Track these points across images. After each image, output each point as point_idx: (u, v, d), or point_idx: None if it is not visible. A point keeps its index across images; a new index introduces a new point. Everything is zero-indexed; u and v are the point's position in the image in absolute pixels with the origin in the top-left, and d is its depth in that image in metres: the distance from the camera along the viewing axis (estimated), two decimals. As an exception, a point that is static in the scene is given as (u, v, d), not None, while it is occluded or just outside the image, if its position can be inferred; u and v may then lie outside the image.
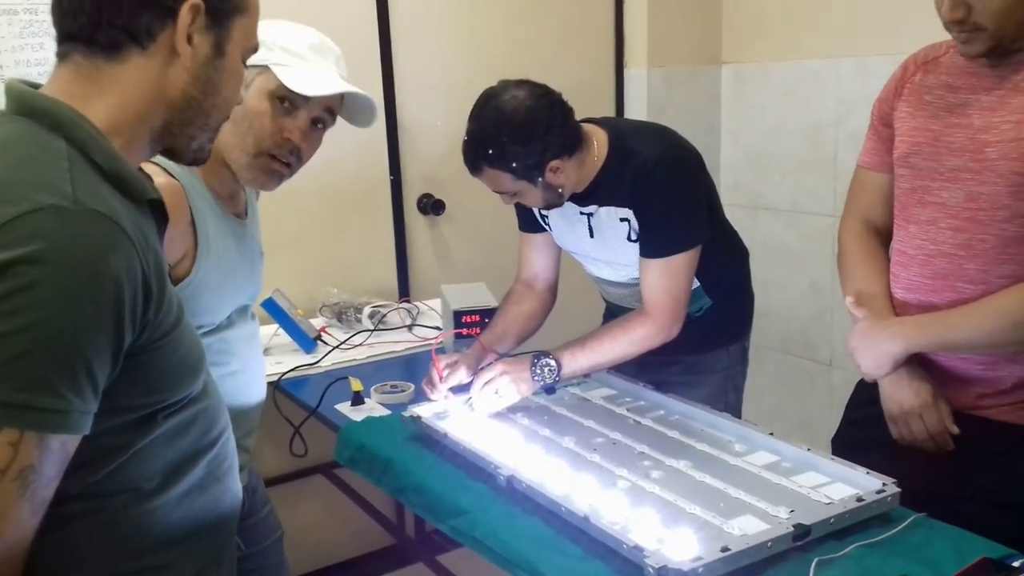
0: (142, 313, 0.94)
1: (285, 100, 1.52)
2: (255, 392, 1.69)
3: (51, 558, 0.97)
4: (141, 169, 1.08)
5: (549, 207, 2.04)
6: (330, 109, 1.59)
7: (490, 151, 1.88)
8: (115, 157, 0.98)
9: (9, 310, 0.84)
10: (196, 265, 1.46)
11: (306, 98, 1.53)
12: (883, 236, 1.81)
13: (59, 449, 0.90)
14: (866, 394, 1.79)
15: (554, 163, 1.89)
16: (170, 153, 1.10)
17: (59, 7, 1.01)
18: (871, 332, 1.69)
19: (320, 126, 1.60)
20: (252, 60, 1.36)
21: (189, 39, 1.01)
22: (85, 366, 0.89)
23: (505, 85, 1.91)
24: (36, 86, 1.02)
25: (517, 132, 1.85)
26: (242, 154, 1.52)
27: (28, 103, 0.98)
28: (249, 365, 1.66)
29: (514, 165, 1.88)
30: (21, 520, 0.89)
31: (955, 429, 1.65)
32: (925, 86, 1.69)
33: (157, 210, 1.06)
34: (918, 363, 1.68)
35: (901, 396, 1.67)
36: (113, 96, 1.00)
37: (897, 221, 1.75)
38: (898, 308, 1.72)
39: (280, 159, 1.55)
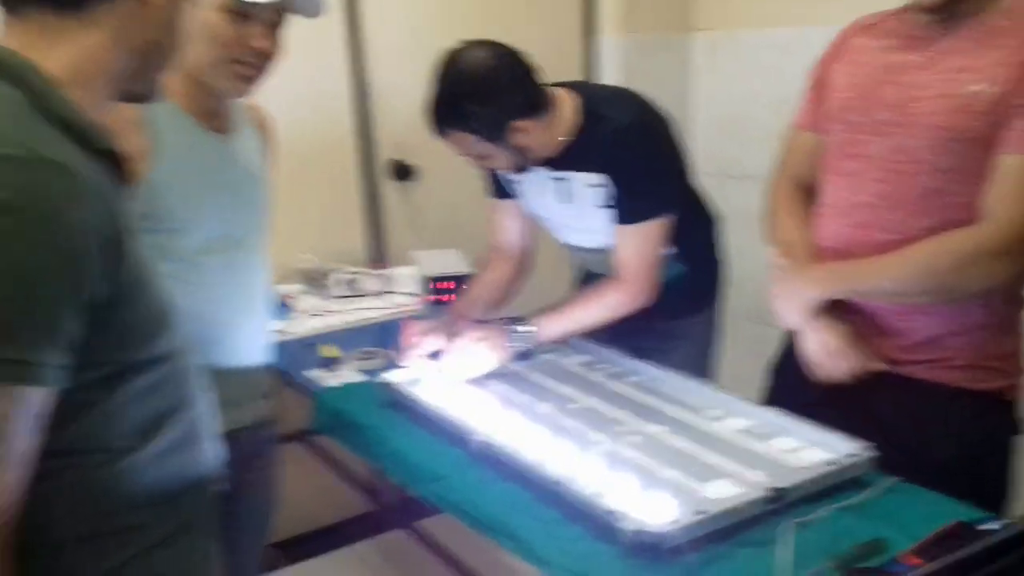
0: (103, 264, 0.92)
1: (237, 12, 1.55)
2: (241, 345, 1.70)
3: (23, 516, 0.96)
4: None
5: (518, 170, 2.03)
6: (280, 9, 1.61)
7: (451, 112, 1.86)
8: (71, 107, 0.96)
9: None
10: (152, 162, 1.50)
11: (255, 4, 1.55)
12: (811, 195, 1.84)
13: (29, 402, 0.89)
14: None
15: (518, 123, 1.87)
16: (133, 97, 1.09)
17: None
18: (790, 279, 1.74)
19: (277, 27, 1.63)
20: None
21: None
22: (50, 316, 0.88)
23: (467, 45, 1.89)
24: None
25: (478, 91, 1.83)
26: (210, 65, 1.56)
27: None
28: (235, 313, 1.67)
29: (476, 126, 1.86)
30: None
31: (880, 365, 1.69)
32: (863, 48, 1.73)
33: (114, 160, 1.04)
34: (835, 311, 1.71)
35: (824, 339, 1.70)
36: (76, 50, 0.98)
37: (825, 176, 1.78)
38: (820, 257, 1.75)
39: (246, 66, 1.59)
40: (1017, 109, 1.50)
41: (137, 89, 1.07)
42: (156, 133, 1.53)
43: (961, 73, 1.55)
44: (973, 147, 1.54)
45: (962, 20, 1.58)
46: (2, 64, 0.94)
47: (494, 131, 1.87)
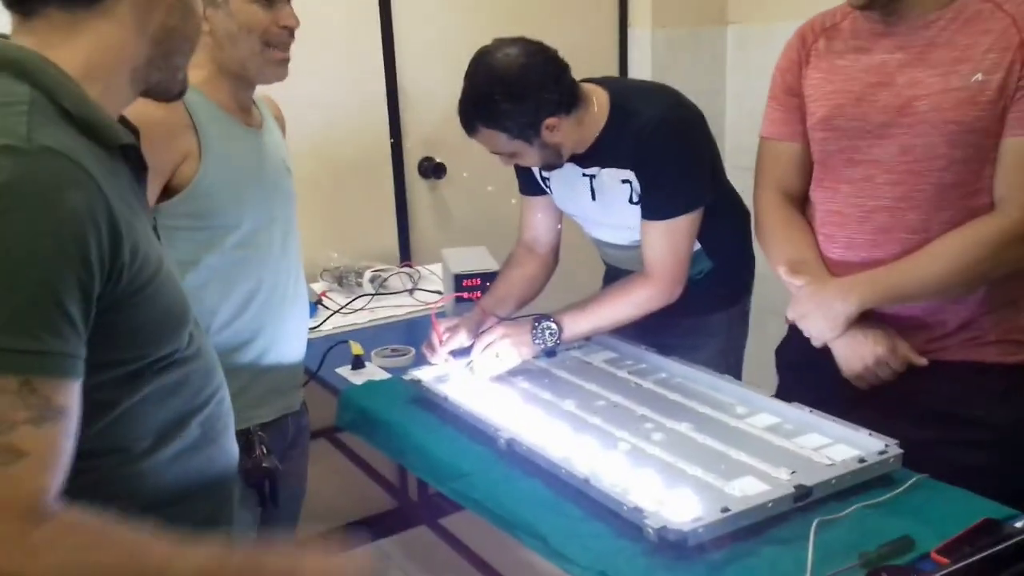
0: (112, 254, 0.92)
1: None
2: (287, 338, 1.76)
3: None
4: (123, 119, 1.07)
5: (549, 167, 2.02)
6: None
7: (483, 110, 1.86)
8: (84, 102, 0.96)
9: None
10: (202, 164, 1.54)
11: None
12: (799, 204, 1.82)
13: (23, 389, 0.86)
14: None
15: (550, 121, 1.87)
16: (156, 91, 1.09)
17: None
18: (819, 295, 1.68)
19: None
20: None
21: None
22: (56, 303, 0.86)
23: (499, 43, 1.88)
24: (4, 36, 1.00)
25: (510, 90, 1.83)
26: (253, 58, 1.62)
27: None
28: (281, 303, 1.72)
29: (508, 124, 1.85)
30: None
31: (922, 360, 1.66)
32: (834, 51, 1.71)
33: (133, 157, 1.04)
34: (865, 316, 1.67)
35: (863, 351, 1.66)
36: (93, 43, 0.98)
37: (823, 184, 1.75)
38: (837, 268, 1.72)
39: (281, 48, 1.64)
40: (1019, 92, 1.51)
41: (161, 80, 1.07)
42: (203, 136, 1.56)
43: (958, 64, 1.55)
44: (986, 136, 1.55)
45: (917, 11, 1.58)
46: (15, 61, 0.95)
47: (526, 129, 1.87)
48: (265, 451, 1.66)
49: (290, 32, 1.64)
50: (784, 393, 1.82)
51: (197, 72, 1.49)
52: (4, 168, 0.85)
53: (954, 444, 1.62)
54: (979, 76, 1.53)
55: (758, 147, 1.90)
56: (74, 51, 0.97)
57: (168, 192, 1.52)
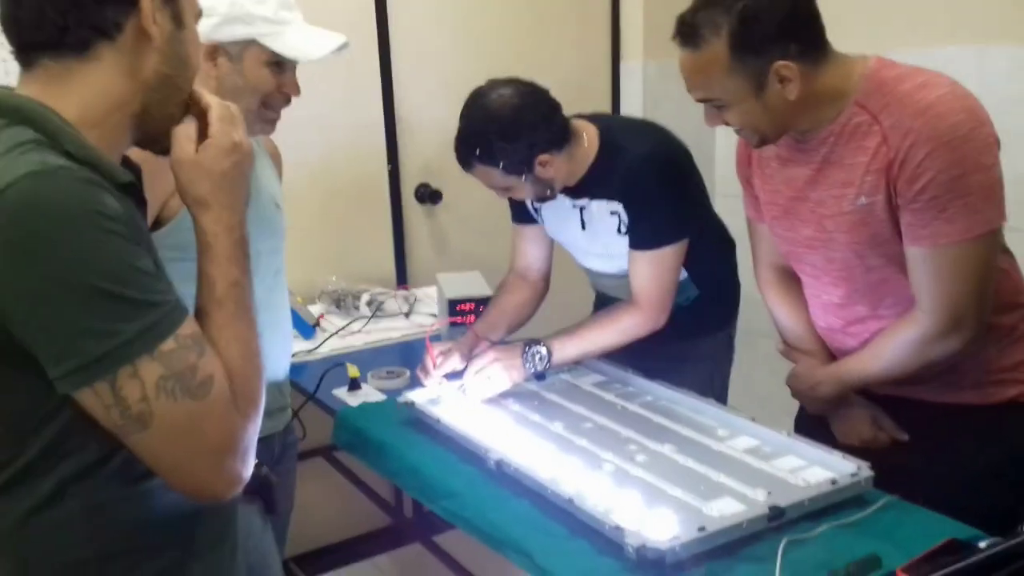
0: (145, 248, 0.99)
1: (279, 64, 1.67)
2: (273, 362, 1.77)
3: (49, 539, 1.02)
4: (125, 157, 1.12)
5: (541, 200, 2.10)
6: None
7: (478, 149, 1.94)
8: (86, 146, 1.00)
9: (33, 275, 0.90)
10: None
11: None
12: (794, 274, 1.89)
13: (177, 341, 0.98)
14: None
15: (542, 157, 1.95)
16: (149, 142, 1.12)
17: (15, 23, 1.02)
18: (804, 381, 1.84)
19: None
20: (235, 36, 1.58)
21: (153, 19, 1.04)
22: (138, 269, 0.96)
23: (493, 84, 1.97)
24: (9, 88, 1.05)
25: (504, 129, 1.91)
26: (246, 112, 1.62)
27: None
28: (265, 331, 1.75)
29: (502, 163, 1.93)
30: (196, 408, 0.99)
31: (904, 437, 1.78)
32: (764, 158, 1.78)
33: (133, 194, 1.08)
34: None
35: (852, 434, 1.80)
36: (86, 90, 1.03)
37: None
38: (827, 340, 1.85)
39: (276, 110, 1.72)
40: (902, 207, 1.54)
41: (155, 128, 1.10)
42: None
43: (846, 188, 1.59)
44: (892, 244, 1.59)
45: (812, 129, 1.61)
46: (18, 109, 1.00)
47: (519, 165, 1.95)
48: (258, 461, 1.71)
49: (288, 99, 1.72)
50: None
51: None
52: (29, 191, 0.91)
53: (929, 478, 1.65)
54: (863, 200, 1.57)
55: (747, 223, 1.98)
56: (69, 98, 1.02)
57: (157, 224, 1.56)
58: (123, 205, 0.99)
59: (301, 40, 1.67)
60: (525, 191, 2.03)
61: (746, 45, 1.51)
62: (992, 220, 1.52)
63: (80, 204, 0.92)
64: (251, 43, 1.63)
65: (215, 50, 1.62)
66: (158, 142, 1.12)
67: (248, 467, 1.06)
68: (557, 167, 1.99)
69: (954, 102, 1.50)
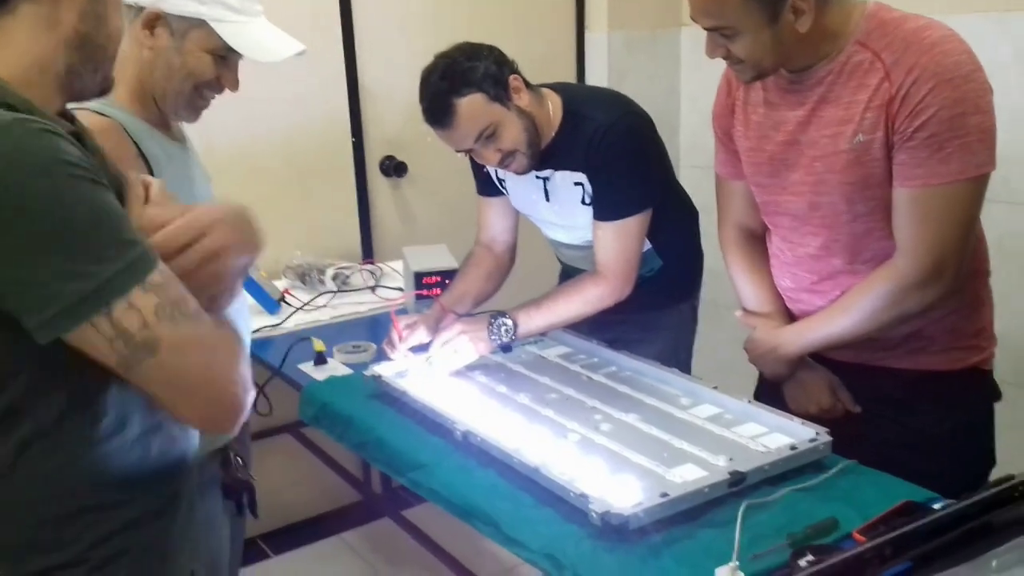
0: (112, 189, 0.99)
1: (222, 56, 1.60)
2: None
3: (13, 495, 1.02)
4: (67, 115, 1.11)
5: (531, 146, 2.03)
6: None
7: (452, 79, 1.91)
8: (26, 99, 0.99)
9: (4, 230, 0.90)
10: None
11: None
12: (760, 236, 1.91)
13: (162, 274, 0.98)
14: None
15: (514, 81, 1.96)
16: (80, 95, 1.11)
17: None
18: (764, 343, 1.84)
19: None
20: (184, 10, 1.51)
21: None
22: (106, 213, 0.95)
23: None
24: None
25: (467, 55, 1.94)
26: (177, 96, 1.60)
27: None
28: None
29: (480, 81, 1.92)
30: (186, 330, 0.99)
31: (857, 409, 1.80)
32: (749, 104, 1.77)
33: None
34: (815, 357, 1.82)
35: (808, 403, 1.82)
36: (12, 48, 1.02)
37: (766, 224, 1.86)
38: (788, 300, 1.85)
39: (207, 99, 1.65)
40: (897, 146, 1.55)
41: (83, 85, 1.10)
42: (151, 160, 1.54)
43: (843, 125, 1.59)
44: (882, 187, 1.60)
45: (811, 70, 1.62)
46: None
47: (496, 88, 1.93)
48: (241, 463, 1.72)
49: (222, 90, 1.64)
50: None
51: (122, 88, 1.50)
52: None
53: (891, 444, 1.71)
54: (860, 137, 1.57)
55: (715, 182, 1.97)
56: (1, 58, 1.02)
57: None
58: (79, 150, 0.99)
59: (259, 38, 1.60)
60: (513, 126, 1.98)
61: None
62: (984, 164, 1.54)
63: (41, 153, 0.92)
64: (200, 24, 1.55)
65: (156, 18, 1.53)
66: (88, 92, 1.12)
67: (249, 398, 1.07)
68: (529, 102, 1.99)
69: (956, 43, 1.52)
